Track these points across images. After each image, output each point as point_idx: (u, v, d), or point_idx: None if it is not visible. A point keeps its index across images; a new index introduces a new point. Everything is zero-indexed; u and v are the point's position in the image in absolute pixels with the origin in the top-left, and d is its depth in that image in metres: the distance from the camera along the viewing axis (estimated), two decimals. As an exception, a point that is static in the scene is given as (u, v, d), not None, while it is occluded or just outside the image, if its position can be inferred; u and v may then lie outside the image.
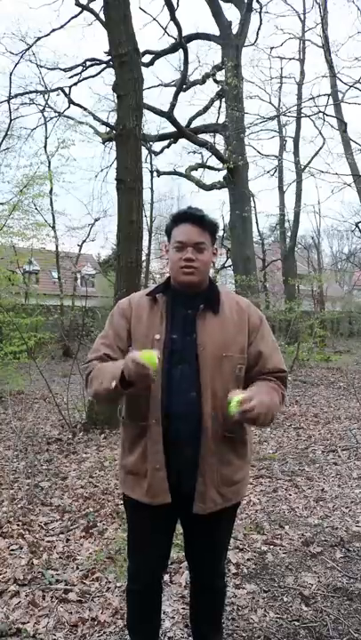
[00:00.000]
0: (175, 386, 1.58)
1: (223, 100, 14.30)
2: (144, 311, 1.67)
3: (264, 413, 1.48)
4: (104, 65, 13.31)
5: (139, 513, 1.69)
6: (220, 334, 1.60)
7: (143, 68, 6.93)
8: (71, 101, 14.11)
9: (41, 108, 14.72)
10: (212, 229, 1.66)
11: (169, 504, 1.59)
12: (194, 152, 16.08)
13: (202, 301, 1.63)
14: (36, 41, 12.85)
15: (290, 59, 16.94)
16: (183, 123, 13.51)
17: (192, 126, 14.46)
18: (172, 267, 1.65)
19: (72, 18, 12.65)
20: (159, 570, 1.84)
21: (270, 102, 18.08)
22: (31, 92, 14.15)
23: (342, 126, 11.10)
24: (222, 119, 14.64)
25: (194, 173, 15.16)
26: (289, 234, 18.84)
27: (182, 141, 14.62)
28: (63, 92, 14.01)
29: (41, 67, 14.31)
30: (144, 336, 1.62)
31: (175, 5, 10.68)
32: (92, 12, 11.79)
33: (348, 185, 9.46)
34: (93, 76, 14.21)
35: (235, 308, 1.67)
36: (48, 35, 12.72)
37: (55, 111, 14.93)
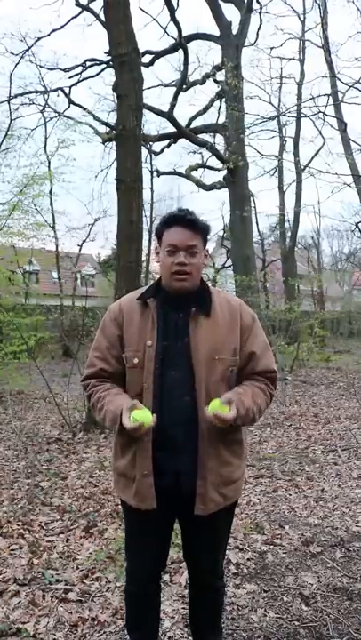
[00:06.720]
0: (167, 391, 1.57)
1: (223, 100, 14.32)
2: (135, 316, 1.64)
3: (242, 416, 1.53)
4: (104, 65, 13.31)
5: (134, 515, 1.69)
6: (213, 337, 1.59)
7: (143, 69, 6.94)
8: (71, 101, 14.11)
9: (41, 108, 14.71)
10: (204, 232, 1.63)
11: (158, 509, 1.59)
12: (194, 152, 16.09)
13: (193, 304, 1.61)
14: (37, 41, 12.87)
15: (290, 59, 16.89)
16: (183, 123, 13.51)
17: (192, 126, 14.47)
18: (164, 271, 1.62)
19: (72, 18, 12.68)
20: (156, 571, 1.84)
21: (270, 102, 18.07)
22: (31, 92, 14.15)
23: (342, 126, 11.13)
24: (222, 119, 14.66)
25: (194, 173, 15.16)
26: (289, 234, 18.83)
27: (182, 141, 14.64)
28: (63, 92, 14.01)
29: (41, 67, 14.31)
30: (136, 342, 1.61)
31: (175, 5, 10.70)
32: (92, 12, 11.81)
33: (348, 185, 9.47)
34: (93, 77, 14.23)
35: (226, 308, 1.65)
36: (48, 35, 12.74)
37: (55, 111, 14.91)
